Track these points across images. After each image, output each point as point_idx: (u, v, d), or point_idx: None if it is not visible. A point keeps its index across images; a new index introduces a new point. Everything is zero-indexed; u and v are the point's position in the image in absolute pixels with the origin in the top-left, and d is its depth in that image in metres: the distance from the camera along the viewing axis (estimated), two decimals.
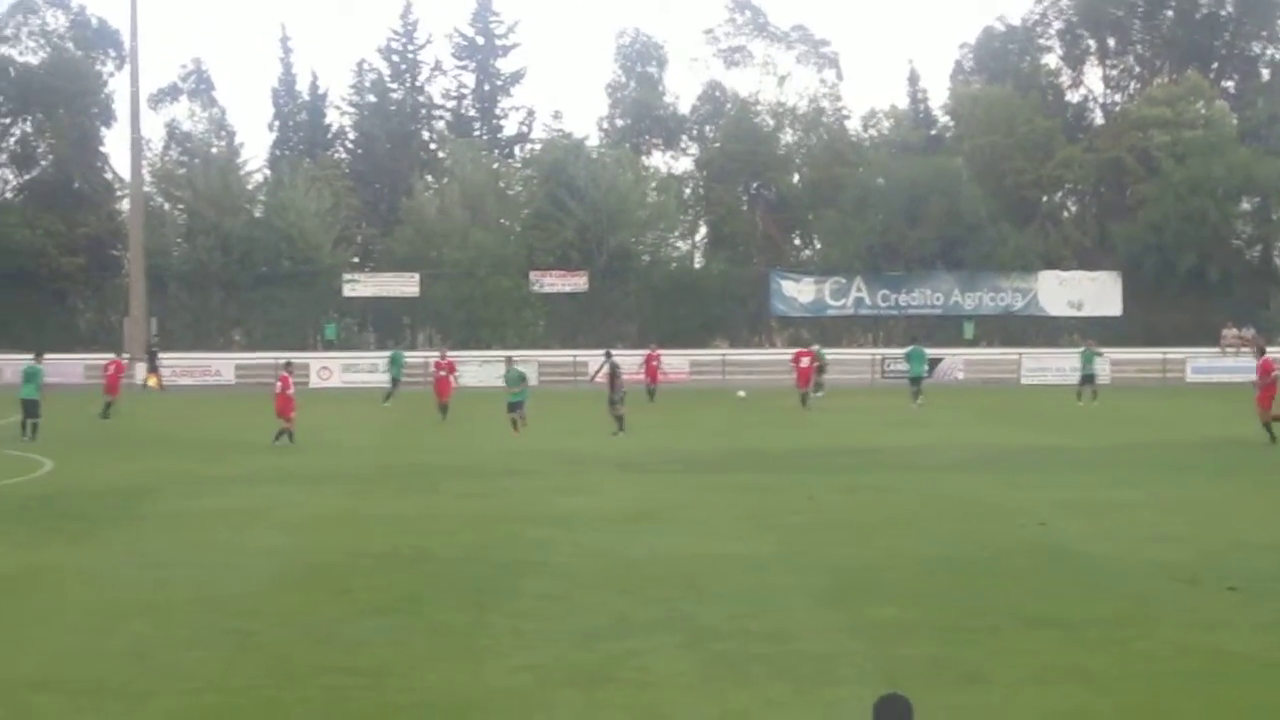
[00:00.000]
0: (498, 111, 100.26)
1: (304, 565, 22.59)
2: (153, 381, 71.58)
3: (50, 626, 18.45)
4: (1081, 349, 62.86)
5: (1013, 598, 19.73)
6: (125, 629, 18.23)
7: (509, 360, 48.91)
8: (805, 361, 57.89)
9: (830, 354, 68.43)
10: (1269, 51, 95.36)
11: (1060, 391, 64.57)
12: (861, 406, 57.72)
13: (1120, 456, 38.32)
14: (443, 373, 52.25)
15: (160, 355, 75.46)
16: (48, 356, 51.84)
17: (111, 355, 59.32)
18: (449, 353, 57.98)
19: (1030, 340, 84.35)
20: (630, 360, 62.01)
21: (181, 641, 17.51)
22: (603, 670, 16.16)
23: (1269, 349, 49.71)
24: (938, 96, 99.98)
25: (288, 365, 45.51)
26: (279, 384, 43.22)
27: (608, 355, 50.63)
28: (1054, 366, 74.57)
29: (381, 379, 66.28)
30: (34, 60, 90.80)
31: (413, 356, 69.43)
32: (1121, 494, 30.42)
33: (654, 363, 61.88)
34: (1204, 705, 14.89)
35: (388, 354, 66.74)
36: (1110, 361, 66.51)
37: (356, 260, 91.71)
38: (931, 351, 70.80)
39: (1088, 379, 59.10)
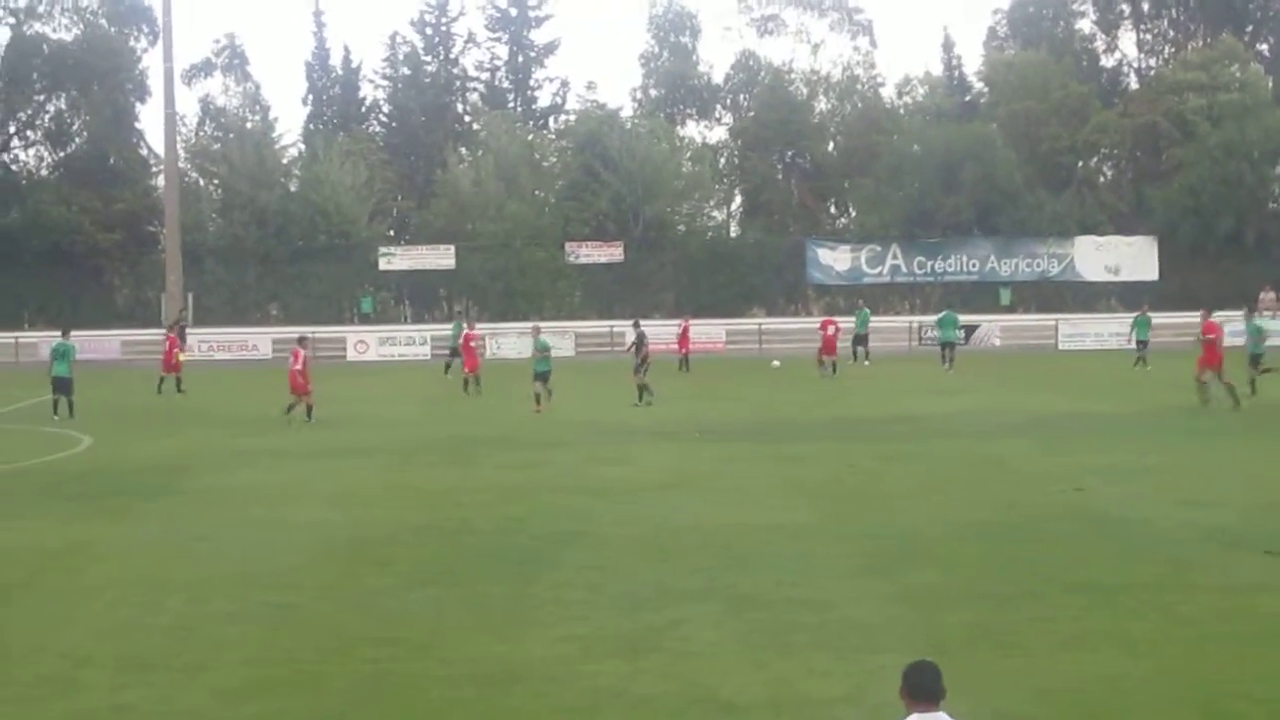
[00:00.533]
0: (531, 83, 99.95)
1: (344, 538, 22.68)
2: (181, 356, 71.68)
3: (94, 602, 18.58)
4: (1136, 315, 62.52)
5: (1051, 563, 19.73)
6: (168, 604, 18.35)
7: (535, 330, 48.73)
8: (831, 330, 57.88)
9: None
10: None
11: (1097, 357, 64.40)
12: (898, 374, 57.52)
13: (1157, 421, 38.23)
14: (473, 343, 51.89)
15: (185, 329, 75.28)
16: (84, 333, 51.49)
17: (163, 331, 58.68)
18: (477, 325, 57.93)
19: (1067, 306, 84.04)
20: (667, 331, 62.04)
21: (224, 616, 17.63)
22: (645, 640, 16.20)
23: None
24: (972, 63, 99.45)
25: (301, 340, 43.59)
26: (291, 358, 41.87)
27: (635, 325, 50.66)
28: (1091, 332, 74.45)
29: (418, 351, 67.94)
30: (67, 37, 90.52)
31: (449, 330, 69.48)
32: (1158, 458, 30.34)
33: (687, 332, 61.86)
34: (1245, 669, 14.83)
35: (423, 327, 67.57)
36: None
37: (392, 233, 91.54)
38: (968, 318, 70.67)
39: (1143, 344, 58.89)
